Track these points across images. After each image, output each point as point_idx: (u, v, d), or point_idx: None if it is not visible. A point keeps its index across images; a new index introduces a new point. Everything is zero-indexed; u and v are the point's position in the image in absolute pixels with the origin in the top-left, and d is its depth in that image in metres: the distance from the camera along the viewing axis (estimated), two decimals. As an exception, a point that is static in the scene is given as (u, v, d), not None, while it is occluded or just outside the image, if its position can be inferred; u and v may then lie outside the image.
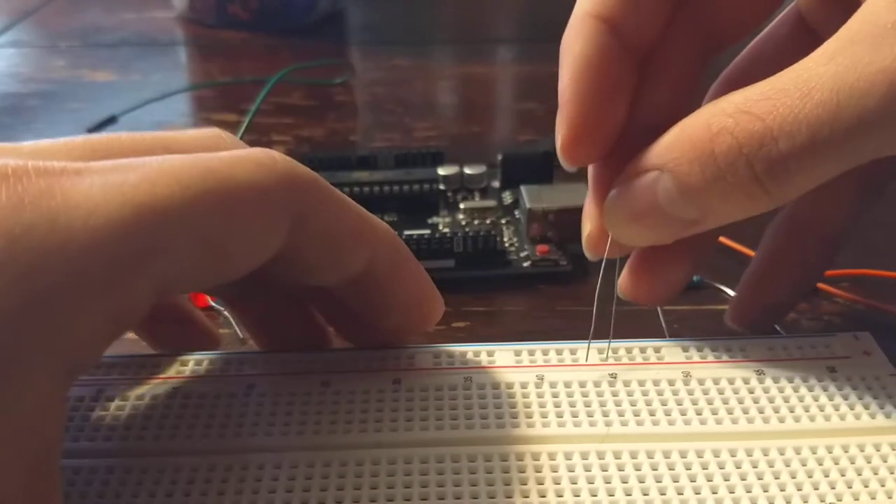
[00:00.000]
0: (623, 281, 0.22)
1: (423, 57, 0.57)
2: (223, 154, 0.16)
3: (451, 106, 0.51)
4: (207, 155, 0.16)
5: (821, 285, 0.29)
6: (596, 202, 0.21)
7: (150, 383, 0.20)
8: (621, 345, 0.21)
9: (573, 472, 0.18)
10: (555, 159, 0.35)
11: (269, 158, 0.17)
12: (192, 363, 0.21)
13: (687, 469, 0.18)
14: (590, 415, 0.19)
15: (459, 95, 0.52)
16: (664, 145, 0.19)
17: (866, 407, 0.19)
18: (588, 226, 0.22)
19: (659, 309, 0.25)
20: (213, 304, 0.30)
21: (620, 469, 0.18)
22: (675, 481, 0.17)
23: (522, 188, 0.33)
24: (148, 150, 0.17)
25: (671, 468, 0.18)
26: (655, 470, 0.18)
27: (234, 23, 0.60)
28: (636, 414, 0.19)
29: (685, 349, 0.21)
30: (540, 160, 0.35)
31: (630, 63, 0.21)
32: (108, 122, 0.44)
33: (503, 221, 0.34)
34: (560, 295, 0.30)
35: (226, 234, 0.16)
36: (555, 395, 0.20)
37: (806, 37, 0.23)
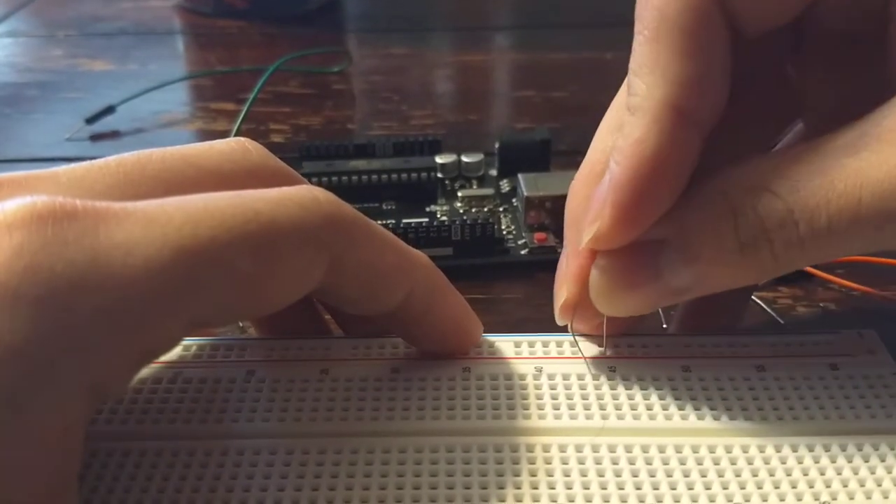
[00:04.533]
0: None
1: (421, 45, 0.57)
2: (268, 194, 0.17)
3: (449, 94, 0.51)
4: (252, 195, 0.16)
5: (816, 272, 0.29)
6: (577, 268, 0.20)
7: (151, 367, 0.20)
8: (622, 338, 0.21)
9: (567, 464, 0.18)
10: (551, 147, 0.36)
11: (313, 200, 0.17)
12: (195, 348, 0.21)
13: (681, 464, 0.18)
14: (587, 408, 0.19)
15: (457, 83, 0.52)
16: (671, 214, 0.18)
17: (867, 406, 0.19)
18: (564, 292, 0.20)
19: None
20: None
21: (615, 463, 0.18)
22: (669, 476, 0.17)
23: (520, 176, 0.33)
24: (179, 172, 0.18)
25: (665, 463, 0.18)
26: (650, 465, 0.18)
27: (231, 12, 0.60)
28: (633, 408, 0.19)
29: (686, 343, 0.21)
30: (537, 148, 0.36)
31: (698, 150, 0.19)
32: (105, 112, 0.44)
33: (501, 209, 0.34)
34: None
35: (264, 275, 0.16)
36: (552, 388, 0.20)
37: (785, 92, 0.22)
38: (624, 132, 0.18)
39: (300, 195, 0.17)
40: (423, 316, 0.20)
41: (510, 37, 0.60)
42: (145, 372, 0.20)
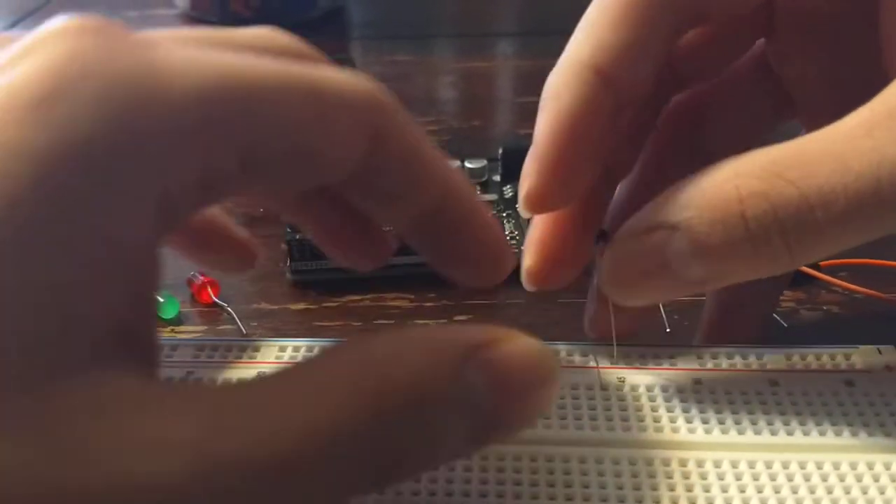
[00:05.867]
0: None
1: (424, 52, 0.57)
2: (312, 62, 0.17)
3: (452, 100, 0.52)
4: (295, 63, 0.16)
5: (819, 275, 0.29)
6: (537, 233, 0.21)
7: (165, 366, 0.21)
8: (634, 349, 0.21)
9: (569, 474, 0.18)
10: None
11: (355, 74, 0.17)
12: (208, 349, 0.21)
13: (684, 479, 0.17)
14: (593, 418, 0.19)
15: (460, 90, 0.53)
16: (678, 203, 0.18)
17: (881, 425, 0.18)
18: (527, 259, 0.21)
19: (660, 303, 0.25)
20: (216, 300, 0.30)
21: (617, 476, 0.18)
22: (671, 490, 0.17)
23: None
24: (221, 39, 0.17)
25: (668, 477, 0.18)
26: (652, 478, 0.17)
27: (237, 19, 0.60)
28: (640, 420, 0.19)
29: (699, 356, 0.21)
30: (541, 154, 0.36)
31: (616, 119, 0.20)
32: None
33: (504, 215, 0.34)
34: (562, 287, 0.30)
35: (309, 124, 0.16)
36: (560, 398, 0.20)
37: (767, 83, 0.22)
38: (545, 88, 0.20)
39: (342, 70, 0.17)
40: (458, 225, 0.19)
41: (514, 43, 0.60)
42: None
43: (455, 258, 0.19)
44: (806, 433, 0.18)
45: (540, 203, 0.20)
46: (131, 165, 0.13)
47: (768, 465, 0.18)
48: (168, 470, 0.12)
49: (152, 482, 0.12)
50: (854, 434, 0.18)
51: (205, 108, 0.14)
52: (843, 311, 0.28)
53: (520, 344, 0.15)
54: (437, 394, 0.14)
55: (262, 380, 0.14)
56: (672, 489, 0.17)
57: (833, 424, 0.18)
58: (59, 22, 0.14)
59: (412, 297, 0.31)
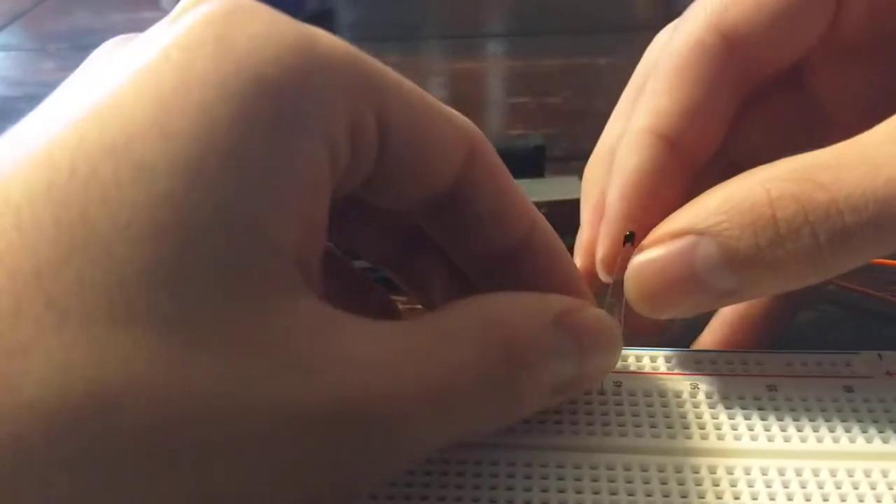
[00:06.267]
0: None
1: (414, 52, 0.57)
2: None
3: (443, 101, 0.51)
4: None
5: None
6: (586, 242, 0.21)
7: None
8: (631, 352, 0.20)
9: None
10: (546, 153, 0.36)
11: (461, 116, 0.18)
12: None
13: (679, 485, 0.17)
14: (589, 423, 0.19)
15: (450, 91, 0.52)
16: (707, 208, 0.17)
17: (880, 431, 0.18)
18: (577, 261, 0.21)
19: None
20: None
21: (611, 480, 0.17)
22: (666, 496, 0.17)
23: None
24: None
25: (663, 483, 0.17)
26: (647, 483, 0.17)
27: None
28: (637, 425, 0.19)
29: (697, 360, 0.20)
30: (532, 154, 0.35)
31: (685, 178, 0.20)
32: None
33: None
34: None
35: (422, 116, 0.16)
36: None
37: (799, 98, 0.22)
38: (616, 159, 0.20)
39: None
40: (539, 267, 0.19)
41: (504, 44, 0.60)
42: None
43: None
44: (803, 439, 0.18)
45: (614, 266, 0.20)
46: (304, 103, 0.14)
47: (764, 472, 0.17)
48: (379, 384, 0.14)
49: (367, 394, 0.14)
50: (852, 440, 0.18)
51: (349, 65, 0.15)
52: (838, 310, 0.28)
53: (595, 312, 0.18)
54: (544, 348, 0.16)
55: (420, 322, 0.16)
56: (667, 495, 0.17)
57: (831, 430, 0.18)
58: None
59: (405, 299, 0.30)
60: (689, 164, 0.20)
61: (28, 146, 0.13)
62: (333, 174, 0.15)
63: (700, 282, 0.17)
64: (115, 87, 0.14)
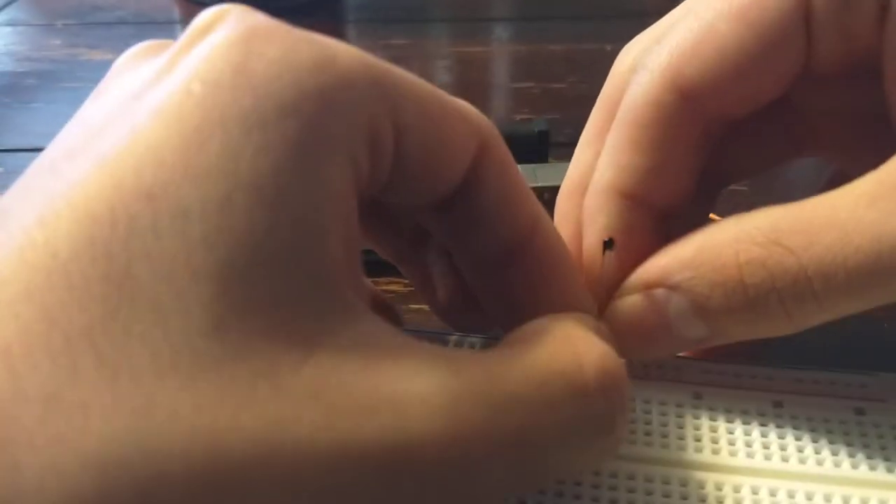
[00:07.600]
0: None
1: (420, 35, 0.57)
2: None
3: (447, 85, 0.51)
4: None
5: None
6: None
7: None
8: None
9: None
10: (550, 138, 0.36)
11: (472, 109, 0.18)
12: None
13: (665, 497, 0.17)
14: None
15: (455, 74, 0.53)
16: (679, 262, 0.18)
17: (885, 458, 0.17)
18: None
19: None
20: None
21: (612, 488, 0.17)
22: None
23: (518, 167, 0.33)
24: None
25: (648, 493, 0.17)
26: (650, 494, 0.17)
27: (230, 2, 0.60)
28: (632, 442, 0.18)
29: (705, 370, 0.20)
30: (535, 139, 0.36)
31: (656, 228, 0.20)
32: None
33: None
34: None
35: (434, 113, 0.16)
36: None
37: (789, 116, 0.22)
38: (584, 215, 0.20)
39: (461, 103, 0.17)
40: (540, 269, 0.19)
41: (509, 28, 0.60)
42: None
43: (527, 304, 0.19)
44: (802, 461, 0.18)
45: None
46: (326, 123, 0.14)
47: (754, 491, 0.17)
48: (429, 428, 0.13)
49: (425, 438, 0.13)
50: (854, 466, 0.17)
51: (366, 77, 0.15)
52: (845, 320, 0.28)
53: (613, 358, 0.16)
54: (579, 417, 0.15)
55: (482, 354, 0.15)
56: None
57: (833, 454, 0.18)
58: (214, 10, 0.16)
59: (406, 281, 0.31)
60: (658, 217, 0.20)
61: (64, 192, 0.13)
62: (358, 186, 0.15)
63: (673, 329, 0.18)
64: (142, 126, 0.14)
